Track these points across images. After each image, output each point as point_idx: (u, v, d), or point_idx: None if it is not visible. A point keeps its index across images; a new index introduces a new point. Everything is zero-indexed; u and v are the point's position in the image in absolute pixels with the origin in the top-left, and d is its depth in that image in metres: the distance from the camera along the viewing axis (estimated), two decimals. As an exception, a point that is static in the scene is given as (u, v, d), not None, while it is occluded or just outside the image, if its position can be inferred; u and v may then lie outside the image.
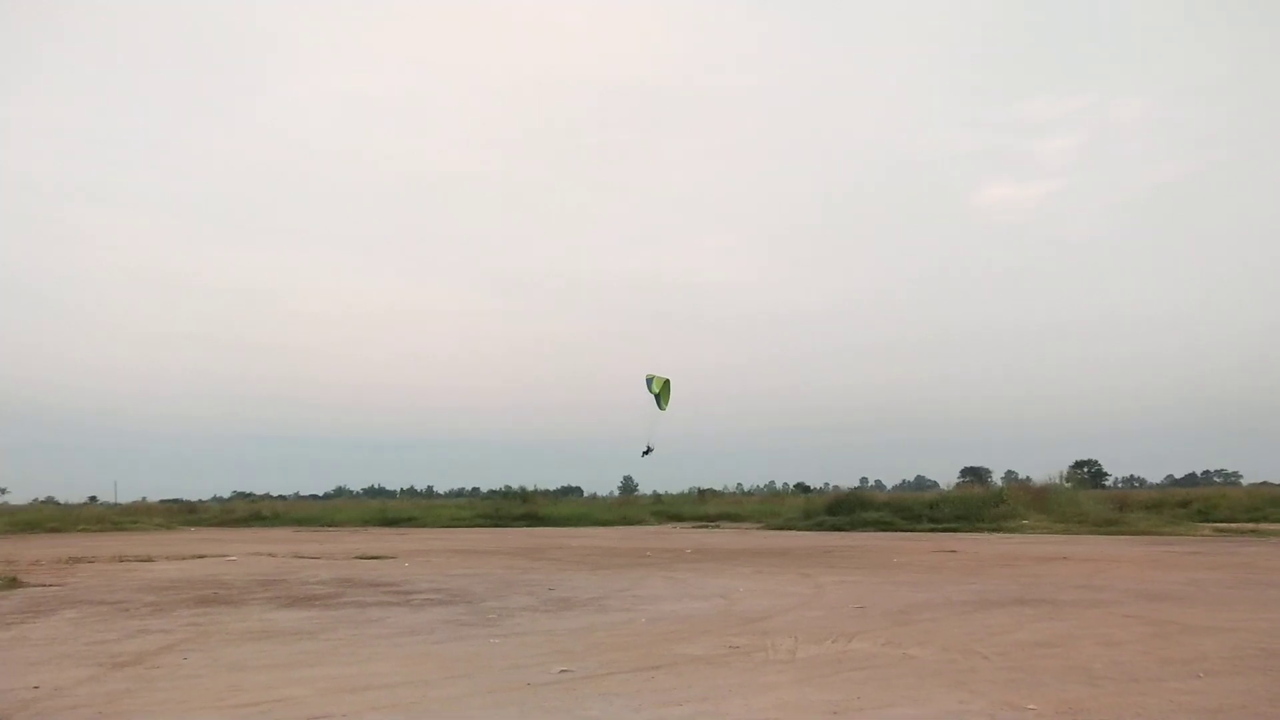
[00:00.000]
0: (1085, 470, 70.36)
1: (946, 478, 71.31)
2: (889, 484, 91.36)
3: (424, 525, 46.43)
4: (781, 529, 38.94)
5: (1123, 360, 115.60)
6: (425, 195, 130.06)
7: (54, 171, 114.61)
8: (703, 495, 61.15)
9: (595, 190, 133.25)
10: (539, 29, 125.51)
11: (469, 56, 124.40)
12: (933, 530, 34.02)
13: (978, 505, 36.49)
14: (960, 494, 40.92)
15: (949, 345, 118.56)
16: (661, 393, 22.73)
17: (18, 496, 73.25)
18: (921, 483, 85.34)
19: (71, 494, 72.35)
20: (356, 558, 23.01)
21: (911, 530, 34.54)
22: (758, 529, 39.81)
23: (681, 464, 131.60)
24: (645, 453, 23.93)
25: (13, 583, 16.06)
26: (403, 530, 42.98)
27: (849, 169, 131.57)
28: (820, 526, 38.06)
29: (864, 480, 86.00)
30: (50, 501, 67.44)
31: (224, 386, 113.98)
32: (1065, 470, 43.38)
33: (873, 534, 33.58)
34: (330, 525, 47.78)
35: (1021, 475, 53.45)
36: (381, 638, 10.19)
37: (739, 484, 72.49)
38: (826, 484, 67.27)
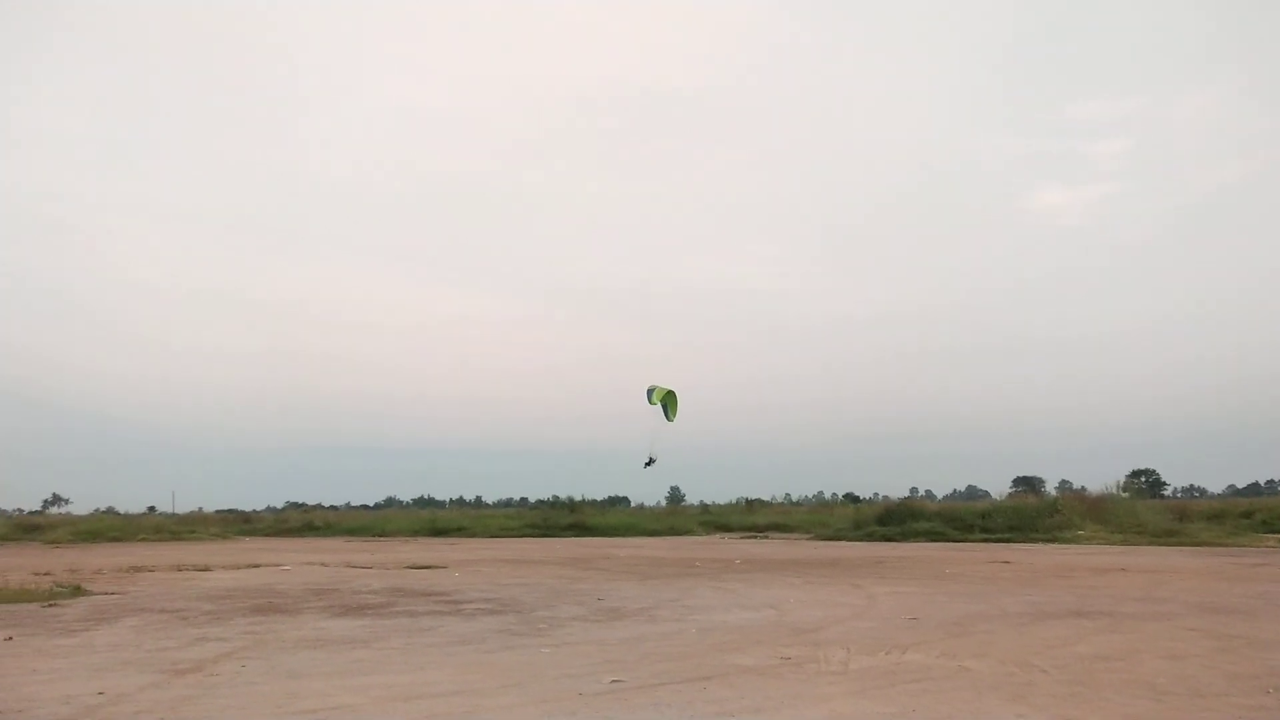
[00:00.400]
0: (1142, 480, 68.85)
1: (998, 487, 70.18)
2: (939, 494, 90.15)
3: (473, 535, 46.74)
4: (831, 539, 38.61)
5: (1180, 366, 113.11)
6: (474, 206, 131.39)
7: (104, 187, 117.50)
8: (750, 505, 60.83)
9: (642, 199, 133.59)
10: (582, 39, 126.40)
11: (513, 67, 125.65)
12: (985, 541, 33.55)
13: (1032, 515, 35.88)
14: (1013, 504, 40.30)
15: (999, 352, 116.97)
16: (668, 404, 22.76)
17: (80, 507, 75.31)
18: (973, 492, 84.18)
19: (131, 504, 74.28)
20: (407, 567, 23.23)
21: (963, 541, 34.08)
22: (807, 539, 39.52)
23: (729, 474, 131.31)
24: (648, 464, 23.90)
25: (77, 590, 16.44)
26: (452, 540, 43.30)
27: (895, 175, 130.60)
28: (870, 537, 37.65)
29: (914, 490, 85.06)
30: (111, 511, 69.12)
31: (277, 398, 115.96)
32: (1122, 480, 42.50)
33: (924, 544, 33.15)
34: (381, 535, 48.30)
35: (1076, 485, 52.43)
36: (434, 646, 10.27)
37: (787, 494, 72.04)
38: (876, 494, 66.66)
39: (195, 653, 9.90)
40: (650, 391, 22.22)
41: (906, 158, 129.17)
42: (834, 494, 75.54)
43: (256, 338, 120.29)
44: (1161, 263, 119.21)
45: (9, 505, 73.21)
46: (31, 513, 70.91)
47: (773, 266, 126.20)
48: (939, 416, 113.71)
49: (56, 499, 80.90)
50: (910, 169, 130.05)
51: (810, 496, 77.46)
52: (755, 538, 42.20)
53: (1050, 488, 65.32)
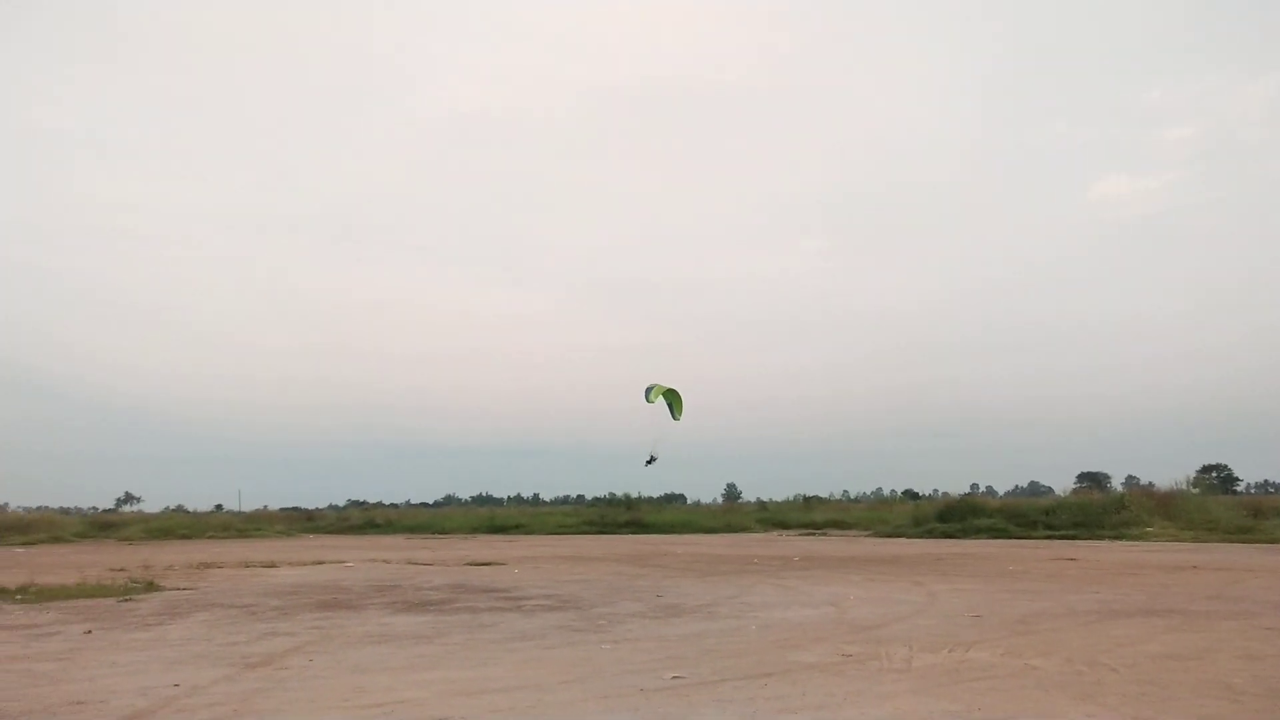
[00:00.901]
0: (1214, 475, 66.80)
1: (1062, 483, 68.56)
2: (1000, 490, 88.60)
3: (531, 532, 47.11)
4: (890, 536, 38.23)
5: (1253, 357, 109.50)
6: (525, 204, 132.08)
7: (169, 194, 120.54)
8: (808, 502, 60.45)
9: (692, 195, 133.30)
10: (629, 36, 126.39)
11: (561, 66, 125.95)
12: (1049, 538, 32.94)
13: (1097, 512, 35.10)
14: (1078, 500, 39.44)
15: (1062, 343, 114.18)
16: (673, 403, 22.79)
17: (151, 505, 77.37)
18: (1035, 488, 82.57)
19: (199, 502, 76.10)
20: (467, 564, 23.51)
21: (1026, 538, 33.49)
22: (866, 536, 39.18)
23: (785, 470, 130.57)
24: (649, 462, 23.93)
25: (150, 586, 16.93)
26: (511, 537, 43.71)
27: (954, 164, 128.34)
28: (930, 534, 37.17)
29: (974, 486, 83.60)
30: (180, 509, 70.98)
31: (339, 398, 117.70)
32: (1192, 475, 41.16)
33: (985, 541, 32.65)
34: (440, 532, 48.94)
35: (1143, 480, 51.14)
36: (495, 642, 10.38)
37: (845, 490, 71.56)
38: (935, 490, 65.70)
39: (264, 647, 10.13)
40: (649, 390, 22.28)
41: (967, 147, 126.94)
42: (892, 490, 74.92)
43: (318, 339, 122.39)
44: (1229, 250, 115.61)
45: (84, 504, 75.69)
46: (105, 511, 73.12)
47: (823, 260, 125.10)
48: (999, 410, 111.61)
49: (129, 497, 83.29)
50: (969, 158, 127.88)
51: (868, 493, 76.90)
52: (813, 535, 41.94)
53: (1116, 483, 63.93)
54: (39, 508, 64.92)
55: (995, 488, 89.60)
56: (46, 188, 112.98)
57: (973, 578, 17.91)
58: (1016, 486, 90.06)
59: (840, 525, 46.76)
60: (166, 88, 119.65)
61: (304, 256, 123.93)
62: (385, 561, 24.93)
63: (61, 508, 68.91)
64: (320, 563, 24.49)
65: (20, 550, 33.44)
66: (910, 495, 67.24)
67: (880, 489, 78.22)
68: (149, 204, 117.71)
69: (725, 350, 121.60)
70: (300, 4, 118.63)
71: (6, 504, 70.40)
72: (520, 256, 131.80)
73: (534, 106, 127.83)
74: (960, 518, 38.32)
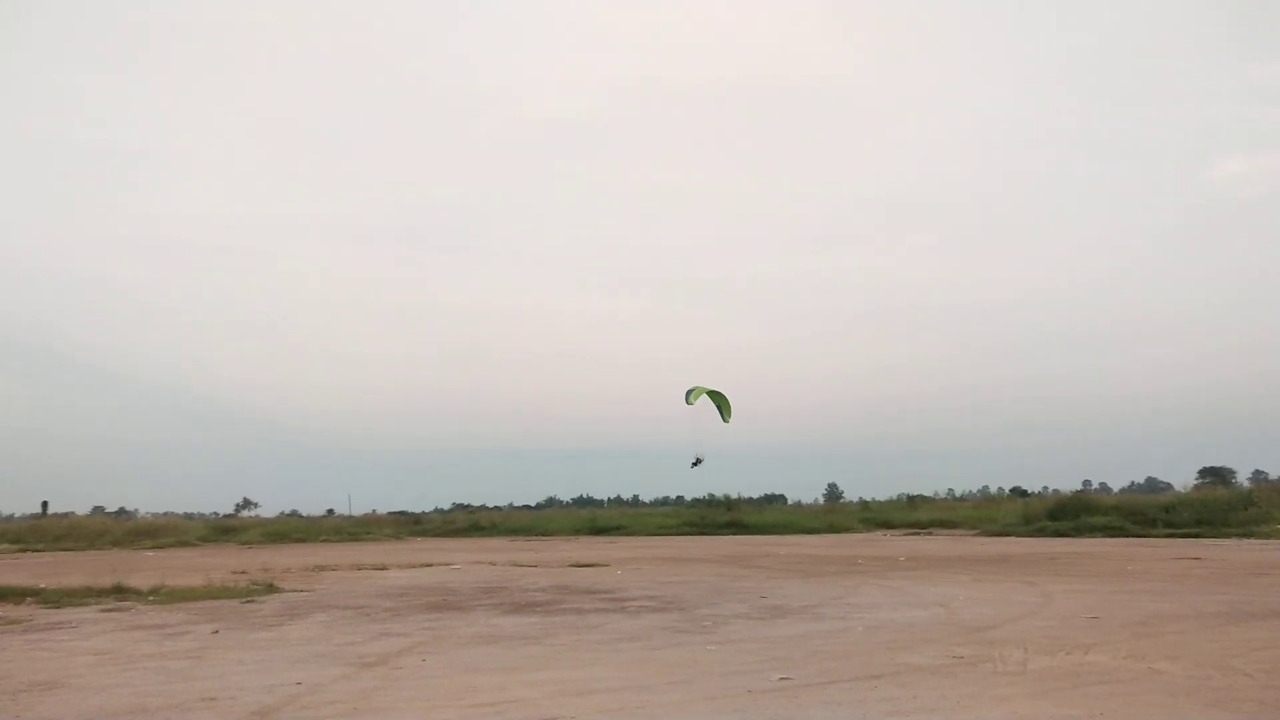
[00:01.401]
0: (1349, 468, 62.87)
1: (1183, 479, 65.38)
2: (1115, 486, 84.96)
3: (631, 533, 47.37)
4: (998, 535, 37.22)
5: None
6: (624, 209, 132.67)
7: (277, 209, 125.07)
8: (912, 501, 59.16)
9: (782, 193, 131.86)
10: (711, 37, 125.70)
11: (646, 70, 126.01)
12: (1170, 536, 31.63)
13: (1222, 509, 33.58)
14: (1201, 496, 37.79)
15: (1180, 331, 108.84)
16: (722, 405, 22.67)
17: (268, 510, 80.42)
18: (1153, 485, 79.01)
19: (312, 507, 78.74)
20: (571, 565, 23.77)
21: (1145, 536, 32.22)
22: (973, 535, 38.21)
23: (888, 469, 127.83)
24: (695, 464, 23.82)
25: (270, 588, 17.62)
26: (611, 538, 44.03)
27: (1060, 149, 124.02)
28: (1041, 532, 36.05)
29: (1087, 483, 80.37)
30: (294, 514, 73.57)
31: (442, 404, 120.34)
32: (1325, 469, 39.06)
33: (1101, 540, 31.49)
34: (543, 534, 49.56)
35: (1272, 475, 48.55)
36: (601, 643, 10.48)
37: (950, 489, 69.74)
38: (1045, 487, 63.63)
39: (379, 647, 10.45)
40: (689, 392, 22.27)
41: (1072, 131, 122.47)
42: (1000, 488, 72.63)
43: (420, 347, 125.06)
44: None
45: (207, 509, 79.13)
46: (225, 516, 76.16)
47: (927, 255, 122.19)
48: (1113, 401, 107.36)
49: (247, 503, 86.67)
50: (1076, 143, 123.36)
51: (974, 491, 74.74)
52: (918, 534, 41.10)
53: (1242, 479, 60.80)
54: (166, 513, 68.08)
55: (1109, 484, 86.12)
56: (158, 206, 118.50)
57: (1088, 578, 17.31)
58: (1132, 483, 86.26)
59: (946, 524, 45.70)
60: (264, 105, 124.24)
61: (405, 266, 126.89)
62: (490, 564, 25.40)
63: (186, 513, 72.14)
64: (428, 565, 25.09)
65: (150, 554, 35.22)
66: (1019, 493, 65.20)
67: (986, 487, 75.89)
68: (257, 221, 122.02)
69: (824, 349, 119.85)
70: (392, 16, 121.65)
71: (137, 510, 74.32)
72: (613, 259, 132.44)
73: (622, 110, 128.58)
74: (1073, 515, 37.07)
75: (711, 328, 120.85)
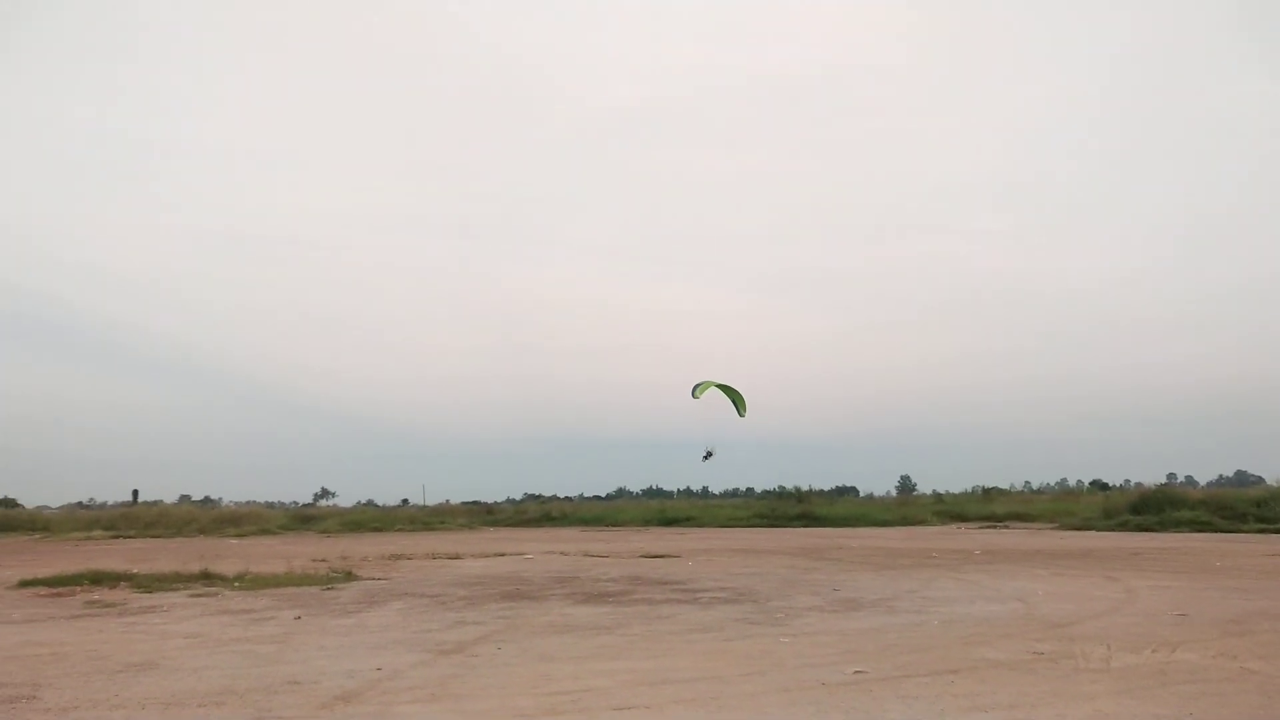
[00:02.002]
0: None
1: (1274, 472, 63.07)
2: (1202, 480, 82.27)
3: (702, 525, 47.40)
4: (1078, 529, 36.34)
5: None
6: (699, 198, 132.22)
7: (356, 202, 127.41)
8: (987, 494, 58.15)
9: (855, 180, 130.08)
10: (775, 22, 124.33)
11: (711, 57, 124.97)
12: (1262, 531, 30.59)
13: (1317, 503, 32.27)
14: (1294, 490, 36.33)
15: (1266, 314, 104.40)
16: (736, 400, 22.67)
17: (345, 499, 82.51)
18: (1243, 478, 76.28)
19: (387, 497, 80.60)
20: (642, 556, 23.89)
21: (1235, 532, 31.19)
22: (1051, 529, 37.39)
23: (962, 461, 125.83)
24: (706, 456, 24.29)
25: (349, 576, 18.05)
26: (682, 530, 44.10)
27: (1132, 134, 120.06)
28: (1123, 527, 35.14)
29: (1171, 476, 78.18)
30: (370, 504, 75.40)
31: (514, 393, 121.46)
32: None
33: (1187, 535, 30.56)
34: (614, 525, 49.89)
35: (1373, 468, 46.44)
36: (674, 634, 10.52)
37: (1026, 481, 68.37)
38: (1127, 480, 61.89)
39: (455, 635, 10.64)
40: (696, 386, 22.23)
41: (1152, 113, 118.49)
42: (1079, 481, 70.91)
43: (490, 339, 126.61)
44: None
45: (287, 498, 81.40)
46: (304, 505, 78.19)
47: (1001, 241, 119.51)
48: (1199, 391, 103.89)
49: (325, 492, 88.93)
50: (1144, 126, 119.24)
51: (1052, 484, 73.11)
52: (994, 528, 40.35)
53: (1339, 471, 58.32)
54: (248, 502, 70.31)
55: (1195, 477, 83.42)
56: (237, 202, 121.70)
57: (1175, 574, 16.81)
58: (1220, 476, 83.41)
59: (1023, 518, 44.79)
60: (336, 99, 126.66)
61: (479, 257, 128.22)
62: (562, 553, 25.64)
63: (267, 502, 74.36)
64: (501, 554, 25.43)
65: (234, 541, 36.36)
66: (1099, 486, 63.53)
67: (1065, 479, 74.14)
68: (327, 213, 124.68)
69: (898, 337, 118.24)
70: (450, 10, 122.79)
71: (221, 499, 76.74)
72: (674, 249, 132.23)
73: (696, 98, 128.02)
74: (1157, 510, 36.06)
75: (776, 317, 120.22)
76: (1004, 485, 62.35)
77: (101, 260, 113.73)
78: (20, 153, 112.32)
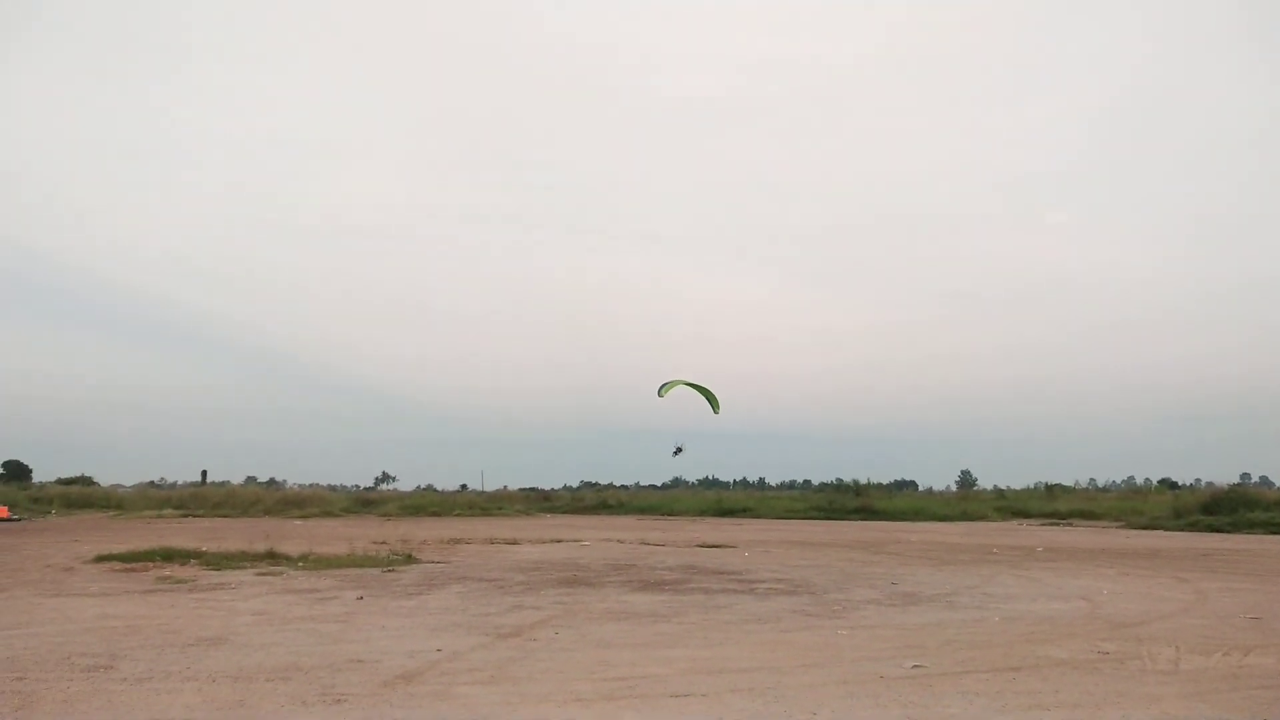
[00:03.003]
0: None
1: (1356, 474, 60.92)
2: (1278, 480, 79.78)
3: (758, 516, 47.22)
4: (1146, 528, 35.51)
5: None
6: (761, 188, 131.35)
7: (419, 190, 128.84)
8: (1050, 490, 57.04)
9: (925, 171, 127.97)
10: (848, 12, 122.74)
11: (783, 49, 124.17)
12: (1342, 534, 29.51)
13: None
14: (1376, 492, 35.08)
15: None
16: (710, 398, 22.83)
17: (405, 484, 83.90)
18: (1322, 480, 73.75)
19: (447, 482, 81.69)
20: (698, 546, 23.89)
21: (1313, 534, 30.14)
22: (1117, 528, 36.54)
23: (1025, 456, 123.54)
24: (676, 452, 25.04)
25: (410, 559, 18.34)
26: (738, 520, 44.01)
27: (1198, 120, 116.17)
28: (1194, 527, 34.23)
29: (1245, 476, 75.87)
30: (430, 489, 76.41)
31: (570, 381, 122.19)
32: None
33: (1262, 537, 29.66)
34: (670, 514, 49.97)
35: None
36: (731, 624, 10.51)
37: (1092, 479, 66.94)
38: (1198, 479, 60.29)
39: (514, 619, 10.76)
40: (662, 386, 22.48)
41: (1206, 101, 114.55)
42: (1147, 479, 69.20)
43: (551, 327, 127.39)
44: None
45: (348, 482, 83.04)
46: (366, 489, 79.69)
47: (1067, 232, 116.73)
48: (1274, 391, 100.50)
49: (386, 476, 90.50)
50: (1220, 107, 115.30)
51: (1119, 481, 71.50)
52: (1057, 525, 39.58)
53: None
54: (311, 485, 71.81)
55: (1270, 478, 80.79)
56: (302, 192, 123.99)
57: (1248, 576, 16.34)
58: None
59: (1087, 515, 43.83)
60: (405, 90, 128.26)
61: (542, 246, 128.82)
62: (619, 541, 25.76)
63: (330, 485, 75.92)
64: (558, 541, 25.64)
65: (298, 522, 37.17)
66: (1168, 484, 61.98)
67: (1132, 477, 72.50)
68: (397, 203, 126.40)
69: (958, 330, 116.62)
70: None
71: (285, 481, 78.46)
72: (741, 240, 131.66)
73: (752, 88, 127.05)
74: (1230, 510, 35.08)
75: (834, 309, 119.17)
76: (1068, 482, 61.21)
77: (170, 251, 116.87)
78: (98, 143, 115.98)
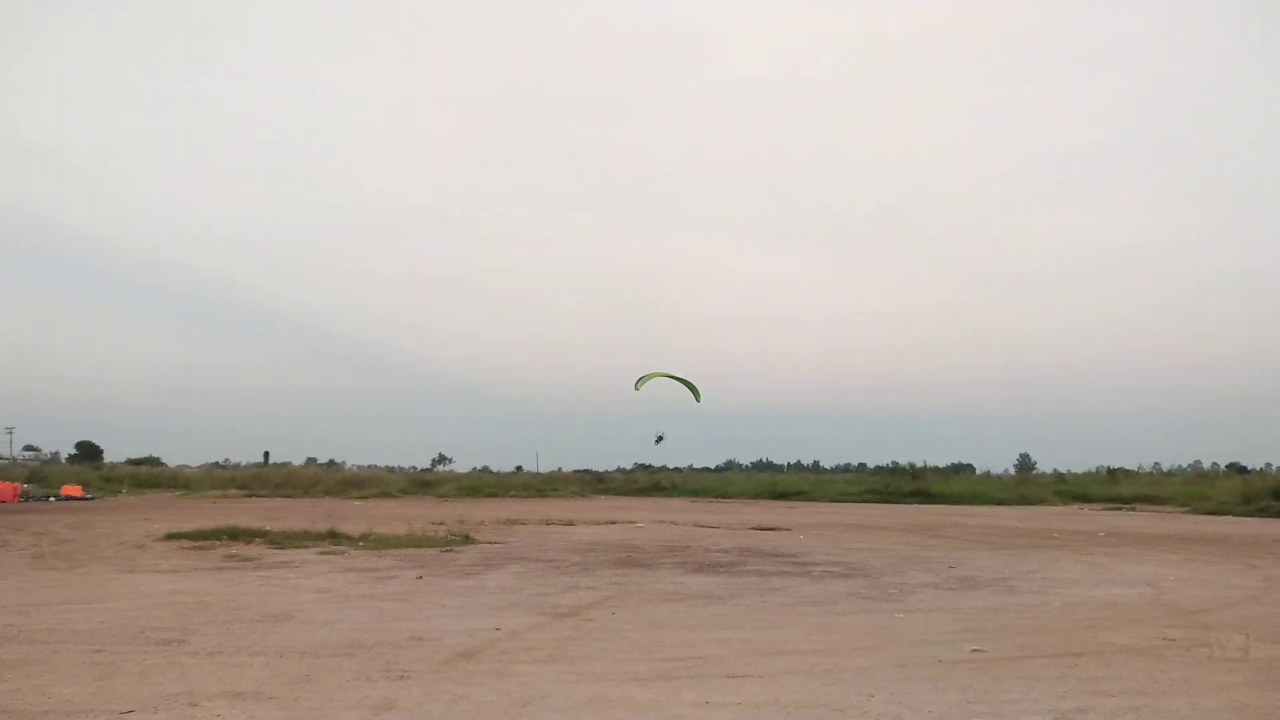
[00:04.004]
0: None
1: None
2: (1352, 465, 77.24)
3: (812, 499, 47.00)
4: (1212, 514, 34.66)
5: None
6: (806, 169, 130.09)
7: (479, 176, 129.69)
8: (1113, 475, 55.87)
9: (984, 149, 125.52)
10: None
11: (828, 25, 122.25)
12: None
13: None
14: None
15: None
16: (691, 388, 23.38)
17: (461, 465, 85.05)
18: (1399, 465, 71.26)
19: (502, 463, 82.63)
20: (752, 528, 23.87)
21: (1389, 520, 29.18)
22: (1182, 513, 35.72)
23: (1086, 439, 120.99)
24: (658, 440, 25.76)
25: (467, 539, 18.61)
26: (792, 503, 43.86)
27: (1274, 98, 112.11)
28: (1264, 513, 33.33)
29: (1318, 460, 73.48)
30: (486, 470, 77.37)
31: (626, 361, 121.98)
32: None
33: (1335, 523, 28.77)
34: (723, 497, 49.93)
35: None
36: (786, 606, 10.51)
37: (1156, 463, 65.47)
38: (1268, 464, 58.65)
39: (570, 599, 10.87)
40: (639, 380, 22.91)
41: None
42: (1214, 464, 67.47)
43: (607, 309, 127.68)
44: None
45: (406, 463, 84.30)
46: (423, 470, 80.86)
47: (1124, 212, 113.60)
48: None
49: (442, 458, 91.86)
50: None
51: (1185, 466, 69.84)
52: (1119, 510, 38.80)
53: None
54: (370, 466, 73.15)
55: (1345, 462, 78.24)
56: (366, 177, 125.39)
57: (1320, 563, 15.89)
58: (1373, 462, 78.07)
59: (1151, 500, 42.88)
60: (466, 78, 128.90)
61: (599, 228, 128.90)
62: (673, 523, 25.85)
63: (388, 466, 77.16)
64: (613, 522, 25.80)
65: (357, 503, 37.89)
66: (1237, 469, 60.37)
67: (1199, 461, 70.72)
68: (451, 185, 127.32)
69: (1015, 310, 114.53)
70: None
71: (345, 462, 80.00)
72: (795, 220, 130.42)
73: (808, 68, 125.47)
74: (1302, 495, 34.08)
75: (890, 290, 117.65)
76: (1131, 466, 59.91)
77: (239, 235, 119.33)
78: (160, 131, 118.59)
